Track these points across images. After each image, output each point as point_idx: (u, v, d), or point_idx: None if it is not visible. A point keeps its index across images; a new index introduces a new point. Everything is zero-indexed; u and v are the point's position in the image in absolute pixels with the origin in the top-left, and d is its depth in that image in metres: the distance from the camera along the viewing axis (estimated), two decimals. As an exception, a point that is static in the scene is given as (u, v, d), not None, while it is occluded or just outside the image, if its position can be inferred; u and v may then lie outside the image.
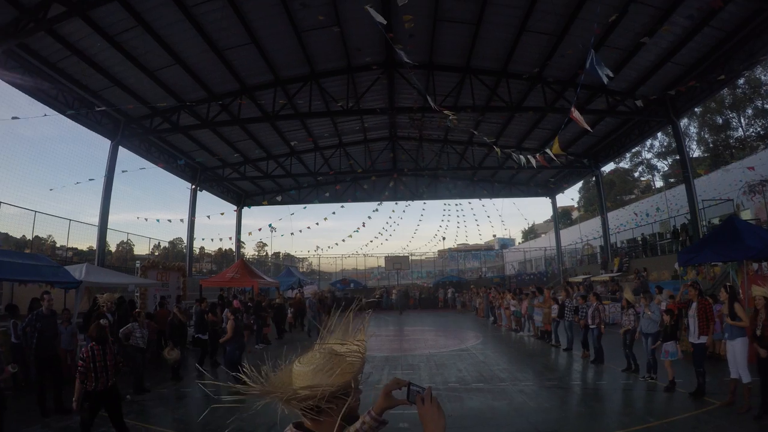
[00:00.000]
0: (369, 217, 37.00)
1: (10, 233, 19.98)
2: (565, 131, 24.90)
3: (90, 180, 20.30)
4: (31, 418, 8.34)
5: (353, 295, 38.50)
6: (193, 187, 28.58)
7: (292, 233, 54.80)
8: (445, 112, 15.23)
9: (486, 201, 36.98)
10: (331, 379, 1.71)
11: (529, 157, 15.71)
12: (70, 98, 17.42)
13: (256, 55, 17.77)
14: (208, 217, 37.38)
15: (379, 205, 34.38)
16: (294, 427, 1.81)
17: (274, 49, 17.84)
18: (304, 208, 33.01)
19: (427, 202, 37.80)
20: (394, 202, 36.27)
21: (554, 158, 14.23)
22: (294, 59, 18.71)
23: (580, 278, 28.13)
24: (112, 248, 30.12)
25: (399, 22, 14.19)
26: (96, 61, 16.33)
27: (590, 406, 8.99)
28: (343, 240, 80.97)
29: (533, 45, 17.56)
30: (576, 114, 10.15)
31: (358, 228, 54.53)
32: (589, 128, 11.73)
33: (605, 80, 9.76)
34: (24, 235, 20.66)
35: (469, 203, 36.78)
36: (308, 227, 55.80)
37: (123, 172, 20.49)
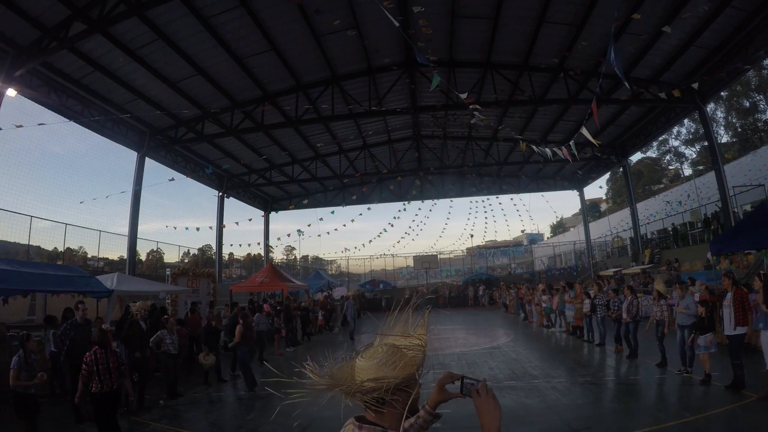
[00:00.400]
0: (395, 218, 36.87)
1: (42, 246, 20.47)
2: (590, 123, 24.63)
3: (121, 192, 20.60)
4: (65, 425, 8.48)
5: (382, 296, 38.60)
6: (220, 194, 28.90)
7: (319, 235, 55.49)
8: (473, 106, 15.10)
9: (513, 196, 36.68)
10: (395, 372, 1.76)
11: (555, 149, 15.48)
12: (96, 113, 17.73)
13: (276, 62, 17.87)
14: (237, 223, 37.92)
15: (407, 204, 34.43)
16: (356, 420, 1.85)
17: (293, 55, 17.95)
18: (332, 213, 33.19)
19: (454, 200, 37.64)
20: (421, 201, 36.16)
21: (576, 154, 14.02)
22: (314, 63, 18.80)
23: (610, 271, 27.77)
24: (143, 257, 30.64)
25: (417, 19, 14.18)
26: (119, 75, 16.64)
27: (624, 402, 8.85)
28: (370, 241, 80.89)
29: (553, 36, 17.37)
30: (595, 108, 9.99)
31: (385, 229, 54.56)
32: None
33: (622, 76, 9.62)
34: (56, 247, 21.19)
35: (497, 198, 36.40)
36: (335, 229, 55.92)
37: (154, 184, 20.86)
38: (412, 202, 35.76)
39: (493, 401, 1.81)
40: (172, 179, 21.79)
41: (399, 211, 33.62)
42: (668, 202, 33.14)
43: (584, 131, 12.23)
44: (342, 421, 1.91)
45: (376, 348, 1.88)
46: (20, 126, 13.36)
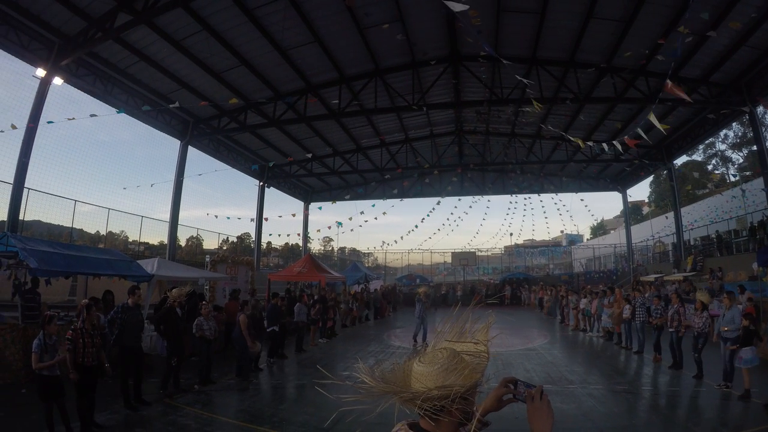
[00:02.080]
0: (428, 215, 36.89)
1: (85, 229, 21.05)
2: (636, 123, 24.04)
3: (164, 182, 21.01)
4: (101, 405, 8.62)
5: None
6: (262, 184, 29.20)
7: (360, 225, 55.26)
8: (535, 104, 14.79)
9: (554, 195, 36.08)
10: (462, 380, 1.70)
11: (615, 143, 14.91)
12: (140, 101, 18.09)
13: (319, 53, 17.92)
14: (280, 216, 38.09)
15: (441, 200, 34.18)
16: (409, 426, 1.79)
17: (337, 47, 17.96)
18: (373, 206, 33.24)
19: (493, 197, 37.27)
20: (458, 198, 35.92)
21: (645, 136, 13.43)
22: (358, 56, 18.80)
23: (651, 277, 27.10)
24: (182, 243, 31.17)
25: (463, 14, 13.98)
26: (164, 65, 16.98)
27: (661, 414, 8.60)
28: (408, 233, 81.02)
29: (601, 32, 16.94)
30: (671, 86, 9.61)
31: (416, 225, 54.13)
32: (688, 99, 11.09)
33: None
34: (98, 231, 21.78)
35: (539, 197, 35.94)
36: (375, 218, 55.82)
37: (199, 175, 21.41)
38: (451, 197, 35.55)
39: (547, 408, 1.77)
40: (217, 170, 22.09)
41: (433, 209, 33.39)
42: (715, 207, 32.15)
43: (639, 131, 11.84)
44: (384, 418, 1.84)
45: (435, 353, 1.80)
46: (72, 118, 13.69)
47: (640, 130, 11.98)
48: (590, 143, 17.69)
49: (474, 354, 1.82)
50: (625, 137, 14.29)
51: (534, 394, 1.79)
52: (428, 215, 39.50)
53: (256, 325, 13.28)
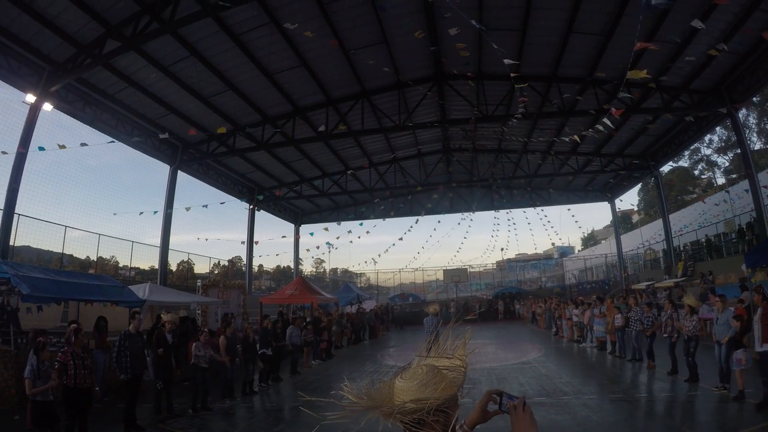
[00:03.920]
0: (409, 229, 36.99)
1: (75, 254, 21.00)
2: (620, 133, 24.35)
3: (154, 212, 20.87)
4: (97, 431, 8.59)
5: (411, 309, 38.50)
6: (252, 207, 29.20)
7: (351, 241, 54.81)
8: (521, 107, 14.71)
9: (543, 209, 36.32)
10: (437, 393, 1.74)
11: (605, 121, 14.75)
12: (130, 127, 18.20)
13: (306, 77, 18.13)
14: (271, 239, 38.13)
15: (416, 221, 34.32)
16: None
17: (323, 70, 18.16)
18: (360, 224, 33.25)
19: (482, 212, 37.48)
20: (435, 215, 36.10)
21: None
22: (344, 78, 18.99)
23: (643, 285, 27.27)
24: (173, 267, 31.07)
25: (444, 31, 14.19)
26: (152, 91, 17.10)
27: (657, 420, 8.66)
28: (386, 251, 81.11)
29: (581, 47, 17.27)
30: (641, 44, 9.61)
31: (393, 243, 54.47)
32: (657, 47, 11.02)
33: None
34: (88, 256, 21.70)
35: (524, 212, 36.22)
36: (359, 237, 55.87)
37: (187, 209, 21.28)
38: (434, 215, 35.79)
39: (529, 419, 1.80)
40: (206, 206, 22.10)
41: (411, 227, 33.80)
42: (702, 212, 32.44)
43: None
44: None
45: (415, 369, 1.86)
46: (63, 146, 13.72)
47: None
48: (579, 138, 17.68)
49: (452, 369, 1.89)
50: (612, 109, 14.23)
51: (516, 406, 1.83)
52: (406, 233, 39.70)
53: (248, 348, 13.26)
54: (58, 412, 7.32)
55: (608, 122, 14.15)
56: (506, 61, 12.31)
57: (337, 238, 30.35)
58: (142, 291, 13.79)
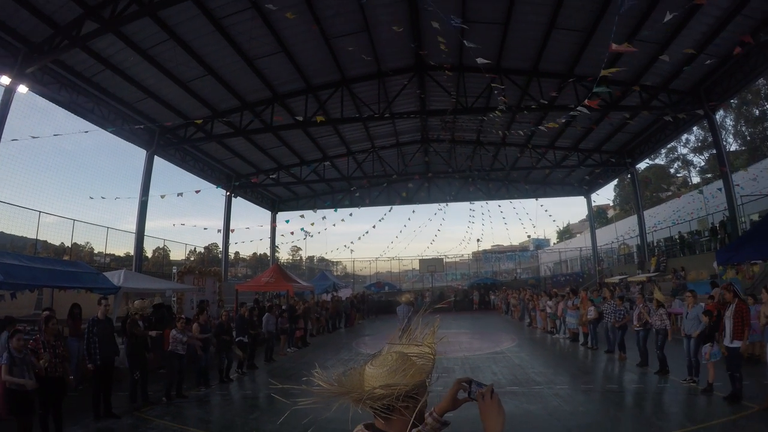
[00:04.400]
0: (383, 218, 37.23)
1: (49, 240, 20.68)
2: (598, 129, 24.63)
3: (128, 198, 20.59)
4: (72, 419, 8.51)
5: (387, 298, 38.64)
6: (228, 194, 29.00)
7: (326, 228, 54.97)
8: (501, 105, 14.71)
9: (521, 201, 36.67)
10: (406, 379, 1.77)
11: (579, 109, 14.79)
12: (106, 111, 17.91)
13: (286, 63, 17.99)
14: (247, 228, 37.93)
15: (390, 209, 34.46)
16: (365, 427, 1.86)
17: (304, 57, 18.04)
18: (335, 210, 33.31)
19: (458, 203, 37.70)
20: (422, 204, 36.36)
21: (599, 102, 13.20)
22: (325, 66, 18.90)
23: (616, 279, 27.68)
24: (149, 254, 30.79)
25: (426, 21, 14.18)
26: (130, 74, 16.79)
27: (626, 410, 8.88)
28: (359, 238, 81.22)
29: (563, 42, 17.36)
30: (616, 46, 9.73)
31: (367, 231, 54.55)
32: (634, 49, 11.22)
33: None
34: (63, 243, 21.37)
35: (498, 205, 36.48)
36: (342, 220, 55.80)
37: (162, 197, 21.09)
38: (413, 204, 36.05)
39: (497, 406, 1.85)
40: (181, 194, 21.87)
41: (385, 214, 34.02)
42: (676, 209, 33.02)
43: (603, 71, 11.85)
44: (349, 425, 1.93)
45: (385, 356, 1.89)
46: (36, 137, 13.50)
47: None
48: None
49: (421, 356, 1.91)
50: (586, 100, 14.32)
51: (484, 393, 1.88)
52: (380, 220, 39.77)
53: (224, 333, 13.19)
54: (33, 403, 7.20)
55: (585, 109, 14.22)
56: (479, 60, 12.23)
57: (312, 224, 30.37)
58: (116, 277, 13.62)
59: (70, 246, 21.11)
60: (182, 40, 15.42)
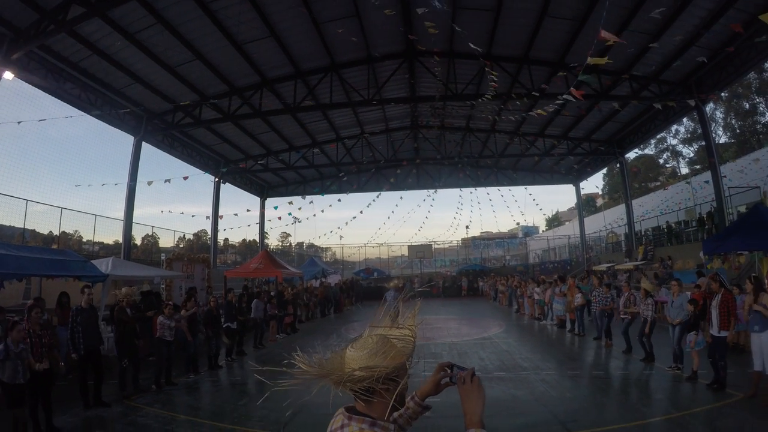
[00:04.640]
0: (372, 203, 37.38)
1: (37, 229, 20.48)
2: (588, 118, 24.68)
3: (115, 184, 20.38)
4: (61, 408, 8.49)
5: (376, 284, 38.74)
6: (217, 179, 28.84)
7: (314, 215, 54.62)
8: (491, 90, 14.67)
9: (510, 188, 36.73)
10: (386, 361, 1.77)
11: (565, 97, 14.83)
12: (93, 97, 17.66)
13: (275, 48, 17.81)
14: (236, 214, 37.83)
15: (378, 195, 34.42)
16: (346, 410, 1.86)
17: (293, 42, 17.86)
18: (322, 195, 33.31)
19: (447, 190, 37.76)
20: (411, 190, 36.38)
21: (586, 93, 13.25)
22: (314, 51, 18.73)
23: (604, 266, 27.88)
24: (138, 241, 30.65)
25: (418, 6, 14.11)
26: (117, 59, 16.53)
27: (612, 396, 8.97)
28: (346, 224, 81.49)
29: (555, 30, 17.33)
30: (605, 33, 9.74)
31: (354, 217, 54.54)
32: (621, 40, 11.23)
33: None
34: (51, 231, 21.18)
35: (487, 192, 36.58)
36: (330, 205, 55.85)
37: (149, 183, 20.96)
38: (400, 191, 36.10)
39: (477, 389, 1.85)
40: (168, 180, 21.75)
41: (373, 200, 33.79)
42: (664, 199, 33.27)
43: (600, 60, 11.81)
44: (331, 409, 1.93)
45: (366, 338, 1.90)
46: (20, 122, 13.34)
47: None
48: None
49: (401, 338, 1.91)
50: (572, 88, 14.39)
51: (465, 377, 1.89)
52: (369, 205, 39.76)
53: (212, 320, 13.18)
54: (25, 396, 7.11)
55: (571, 98, 14.23)
56: (471, 45, 12.22)
57: (299, 209, 30.17)
58: (105, 265, 13.52)
59: (58, 234, 20.95)
60: (170, 24, 15.19)
